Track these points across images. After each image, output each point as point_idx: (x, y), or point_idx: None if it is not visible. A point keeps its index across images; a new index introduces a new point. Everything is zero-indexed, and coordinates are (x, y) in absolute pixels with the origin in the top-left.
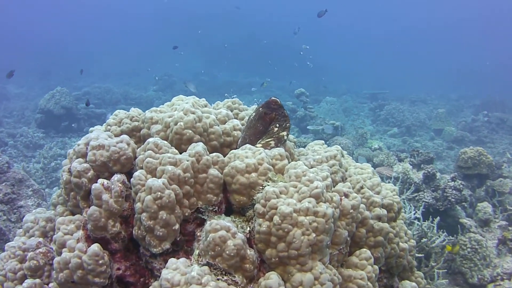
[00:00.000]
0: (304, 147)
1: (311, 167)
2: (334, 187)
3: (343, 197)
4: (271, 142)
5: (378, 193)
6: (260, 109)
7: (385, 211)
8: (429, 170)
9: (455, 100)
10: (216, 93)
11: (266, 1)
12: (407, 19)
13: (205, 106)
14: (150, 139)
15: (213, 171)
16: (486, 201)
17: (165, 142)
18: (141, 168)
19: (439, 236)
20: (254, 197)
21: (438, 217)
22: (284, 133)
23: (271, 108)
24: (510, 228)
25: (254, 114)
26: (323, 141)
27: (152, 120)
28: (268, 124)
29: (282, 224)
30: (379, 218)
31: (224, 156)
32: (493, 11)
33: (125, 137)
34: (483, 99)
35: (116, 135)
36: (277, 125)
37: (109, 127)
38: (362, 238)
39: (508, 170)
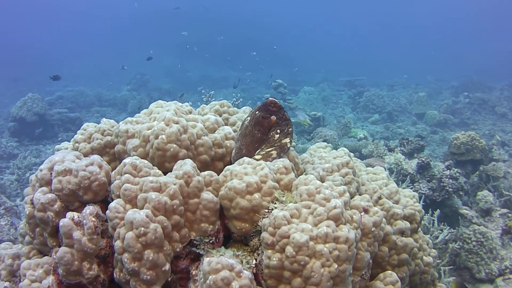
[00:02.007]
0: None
1: (321, 179)
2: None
3: (362, 213)
4: (272, 152)
5: (397, 202)
6: (257, 112)
7: (408, 224)
8: (423, 159)
9: (433, 82)
10: (190, 88)
11: None
12: (378, 6)
13: (190, 113)
14: (126, 160)
15: (206, 195)
16: (485, 189)
17: (145, 161)
18: (118, 196)
19: (442, 231)
20: (259, 223)
21: (439, 210)
22: (287, 139)
23: (270, 111)
24: (510, 214)
25: (249, 119)
26: (326, 143)
27: (127, 134)
28: (267, 130)
29: (298, 256)
30: (402, 233)
31: (218, 173)
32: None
33: (95, 158)
34: (461, 80)
35: (86, 154)
36: (278, 130)
37: (77, 144)
38: (384, 257)
39: (498, 153)
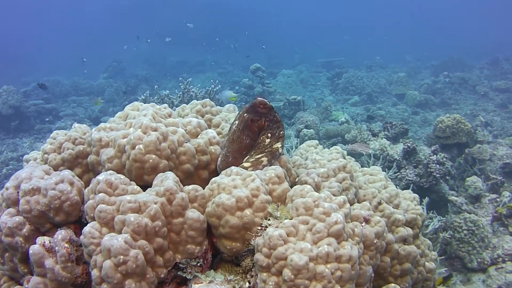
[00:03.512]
0: None
1: (316, 185)
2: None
3: (363, 224)
4: (262, 159)
5: (397, 206)
6: (245, 115)
7: (410, 230)
8: (409, 145)
9: (411, 62)
10: (168, 73)
11: None
12: None
13: (169, 116)
14: (100, 177)
15: (192, 213)
16: (473, 175)
17: (121, 177)
18: (93, 218)
19: (431, 219)
20: (251, 242)
21: (427, 198)
22: (279, 144)
23: (259, 113)
24: (498, 199)
25: (237, 122)
26: (317, 142)
27: (101, 143)
28: (256, 134)
29: (297, 280)
30: (404, 240)
31: (202, 183)
32: None
33: (66, 175)
34: (441, 59)
35: (56, 167)
36: (269, 134)
37: (46, 155)
38: (386, 268)
39: (482, 134)
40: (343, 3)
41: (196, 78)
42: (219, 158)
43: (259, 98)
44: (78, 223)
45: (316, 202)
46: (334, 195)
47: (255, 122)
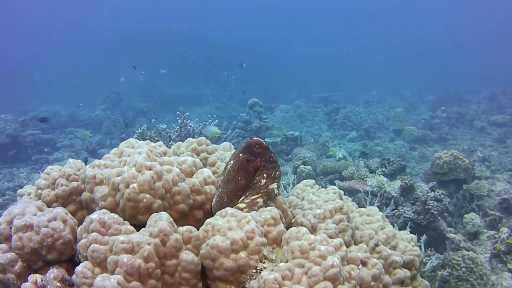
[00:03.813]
0: None
1: (312, 227)
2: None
3: (360, 266)
4: (258, 200)
5: (394, 247)
6: (241, 155)
7: (407, 272)
8: (406, 182)
9: (409, 97)
10: (165, 107)
11: (208, 14)
12: (347, 21)
13: (164, 154)
14: (93, 216)
15: (186, 255)
16: (472, 212)
17: (115, 216)
18: (85, 258)
19: (429, 257)
20: (246, 285)
21: (425, 235)
22: (275, 185)
23: (255, 153)
24: (496, 235)
25: (232, 162)
26: (313, 182)
27: (95, 180)
28: (252, 174)
29: None
30: (401, 283)
31: (197, 223)
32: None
33: (59, 212)
34: (437, 93)
35: (50, 203)
36: (265, 175)
37: (39, 191)
38: None
39: (480, 170)
40: (340, 38)
41: (193, 111)
42: (214, 199)
43: (254, 138)
44: (71, 261)
45: (312, 245)
46: (330, 237)
47: (250, 162)
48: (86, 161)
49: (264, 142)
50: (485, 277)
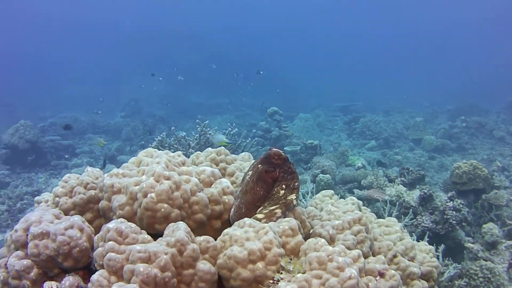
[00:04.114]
0: None
1: (330, 238)
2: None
3: (377, 278)
4: (276, 210)
5: (412, 259)
6: (259, 166)
7: (425, 284)
8: (425, 191)
9: (428, 106)
10: (184, 115)
11: (230, 20)
12: (367, 30)
13: (183, 164)
14: (110, 225)
15: (202, 265)
16: (490, 222)
17: (132, 225)
18: (101, 266)
19: (447, 266)
20: None
21: (443, 245)
22: (293, 196)
23: (273, 164)
24: None
25: (250, 173)
26: (332, 192)
27: (113, 189)
28: (270, 185)
29: None
30: None
31: (215, 233)
32: (454, 19)
33: (76, 220)
34: (457, 103)
35: (67, 211)
36: (283, 185)
37: (57, 198)
38: None
39: (499, 179)
40: (359, 48)
41: (213, 119)
42: (232, 209)
43: (274, 149)
44: (87, 269)
45: (330, 257)
46: (349, 248)
47: (269, 173)
48: (104, 163)
49: (283, 153)
50: (503, 287)
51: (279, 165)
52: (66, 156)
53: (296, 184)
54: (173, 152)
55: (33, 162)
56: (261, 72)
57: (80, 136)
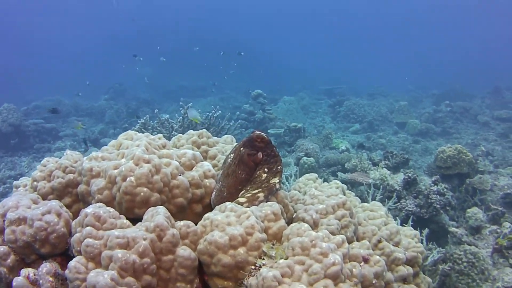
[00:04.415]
0: None
1: (314, 222)
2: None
3: (362, 263)
4: (259, 194)
5: (397, 244)
6: (241, 149)
7: (410, 269)
8: (409, 175)
9: (413, 90)
10: (168, 98)
11: (213, 5)
12: (352, 12)
13: (164, 147)
14: (88, 209)
15: (182, 251)
16: (474, 206)
17: (110, 210)
18: (79, 252)
19: (431, 251)
20: (244, 282)
21: (427, 229)
22: (276, 179)
23: (256, 147)
24: (499, 230)
25: (232, 156)
26: (316, 176)
27: (91, 173)
28: (253, 168)
29: None
30: (404, 280)
31: (195, 217)
32: (441, 2)
33: (53, 205)
34: (442, 88)
35: (45, 195)
36: (266, 169)
37: (35, 183)
38: None
39: (483, 164)
40: (344, 30)
41: (197, 102)
42: (213, 193)
43: (256, 132)
44: (64, 255)
45: (313, 242)
46: (332, 233)
47: (251, 156)
48: (85, 143)
49: (266, 136)
50: (487, 272)
51: (261, 148)
52: (51, 142)
53: (279, 167)
54: (157, 135)
55: (16, 145)
56: (242, 53)
57: (64, 119)
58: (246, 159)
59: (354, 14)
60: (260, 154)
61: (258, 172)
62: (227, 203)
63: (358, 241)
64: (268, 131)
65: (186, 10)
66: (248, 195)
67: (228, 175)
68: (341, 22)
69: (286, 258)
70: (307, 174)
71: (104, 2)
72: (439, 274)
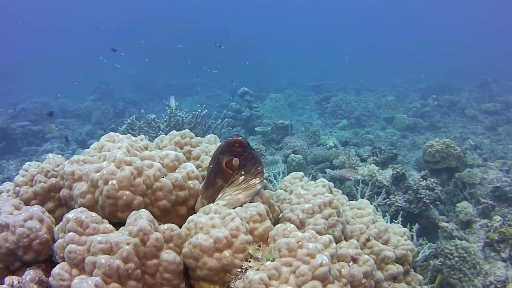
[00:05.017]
0: None
1: (300, 222)
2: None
3: (351, 263)
4: (239, 196)
5: (386, 242)
6: (219, 156)
7: (400, 268)
8: (398, 170)
9: (400, 85)
10: (155, 97)
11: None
12: (338, 7)
13: (146, 148)
14: (70, 214)
15: (167, 255)
16: (464, 201)
17: (93, 214)
18: (62, 258)
19: (422, 247)
20: (231, 285)
21: (417, 225)
22: (257, 180)
23: (234, 152)
24: (489, 224)
25: (211, 166)
26: (302, 174)
27: (73, 176)
28: (229, 175)
29: None
30: (394, 278)
31: (180, 220)
32: None
33: (35, 211)
34: (429, 82)
35: (28, 200)
36: (242, 172)
37: (17, 188)
38: None
39: (472, 158)
40: (331, 26)
41: (184, 101)
42: (196, 205)
43: (234, 137)
44: (49, 262)
45: (300, 243)
46: (319, 233)
47: (230, 162)
48: (66, 140)
49: (244, 140)
50: (478, 266)
51: (239, 153)
52: (40, 150)
53: (258, 168)
54: (144, 135)
55: (4, 149)
56: (222, 47)
57: (50, 121)
58: (224, 169)
59: (339, 10)
60: (236, 160)
61: (235, 176)
62: (211, 205)
63: (346, 240)
64: (255, 129)
65: (172, 4)
66: (227, 197)
67: (208, 186)
68: (326, 18)
69: (273, 260)
70: (293, 173)
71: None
72: (430, 269)
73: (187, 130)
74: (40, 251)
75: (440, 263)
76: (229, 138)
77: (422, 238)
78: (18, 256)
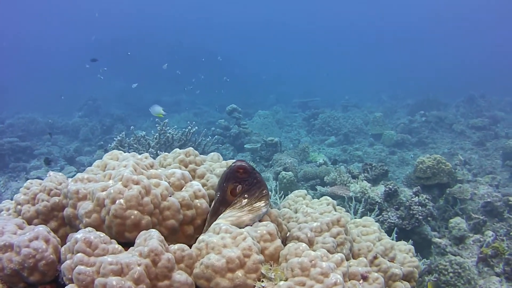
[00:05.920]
0: None
1: (309, 241)
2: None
3: (361, 282)
4: (243, 218)
5: (393, 259)
6: (224, 184)
7: (408, 285)
8: (390, 187)
9: (387, 101)
10: (142, 114)
11: (185, 16)
12: (324, 23)
13: (151, 167)
14: (78, 235)
15: (179, 276)
16: (457, 216)
17: (101, 235)
18: (70, 280)
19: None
20: None
21: (411, 241)
22: (261, 203)
23: (239, 178)
24: (482, 239)
25: (218, 194)
26: (305, 192)
27: (78, 195)
28: (231, 201)
29: None
30: None
31: (187, 239)
32: (413, 13)
33: (41, 231)
34: (416, 98)
35: (30, 219)
36: (246, 195)
37: (19, 206)
38: None
39: (462, 173)
40: (316, 43)
41: (171, 118)
42: (202, 233)
43: (238, 163)
44: (54, 283)
45: (313, 262)
46: (329, 251)
47: (234, 190)
48: (46, 162)
49: (247, 166)
50: (473, 282)
51: (244, 179)
52: (31, 165)
53: (263, 191)
54: (137, 153)
55: None
56: (203, 59)
57: (38, 137)
58: (228, 197)
59: (326, 27)
60: (239, 187)
61: (238, 199)
62: (222, 224)
63: (354, 258)
64: (245, 146)
65: (160, 23)
66: (230, 218)
67: (212, 215)
68: (313, 35)
69: (286, 280)
70: (296, 191)
71: (76, 12)
72: (425, 286)
73: (191, 148)
74: (46, 272)
75: (435, 279)
76: (233, 164)
77: (416, 254)
78: (23, 277)
